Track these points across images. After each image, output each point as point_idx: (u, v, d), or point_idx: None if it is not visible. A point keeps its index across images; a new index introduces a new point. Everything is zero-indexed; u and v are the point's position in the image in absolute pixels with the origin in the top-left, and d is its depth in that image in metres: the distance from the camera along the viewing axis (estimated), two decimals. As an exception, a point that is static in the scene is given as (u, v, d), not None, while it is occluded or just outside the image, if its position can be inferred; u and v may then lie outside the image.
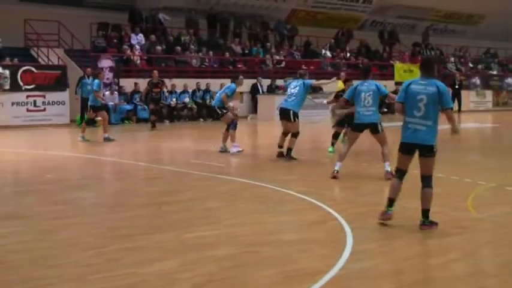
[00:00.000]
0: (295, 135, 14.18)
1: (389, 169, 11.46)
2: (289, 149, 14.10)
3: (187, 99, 27.28)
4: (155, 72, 23.78)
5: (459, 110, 34.62)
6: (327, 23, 36.84)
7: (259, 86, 29.43)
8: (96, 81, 18.81)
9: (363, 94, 11.60)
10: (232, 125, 15.43)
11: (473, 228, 8.19)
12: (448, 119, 8.21)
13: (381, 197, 8.89)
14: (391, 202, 8.11)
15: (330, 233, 7.82)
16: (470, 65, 41.07)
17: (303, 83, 14.30)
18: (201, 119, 27.14)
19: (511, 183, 11.24)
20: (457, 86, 35.09)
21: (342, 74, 19.21)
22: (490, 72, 40.99)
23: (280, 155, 14.23)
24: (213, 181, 11.68)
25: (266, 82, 30.04)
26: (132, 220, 8.48)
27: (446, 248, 7.19)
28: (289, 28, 35.31)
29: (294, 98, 14.17)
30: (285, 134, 14.37)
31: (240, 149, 15.33)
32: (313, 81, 15.31)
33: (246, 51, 32.05)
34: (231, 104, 15.71)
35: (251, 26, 34.06)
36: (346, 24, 37.48)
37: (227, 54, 30.65)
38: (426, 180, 8.03)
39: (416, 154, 8.13)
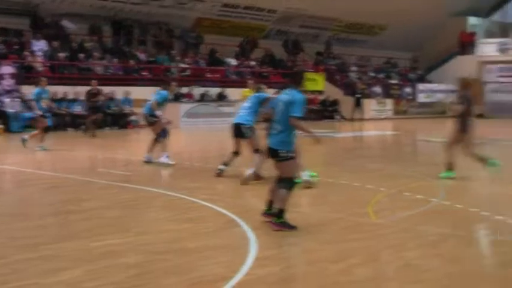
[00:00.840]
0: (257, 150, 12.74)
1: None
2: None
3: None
4: (94, 81, 23.62)
5: (361, 118, 35.48)
6: (232, 32, 37.07)
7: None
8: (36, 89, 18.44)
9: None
10: (162, 134, 14.95)
11: (373, 233, 8.44)
12: (297, 128, 8.47)
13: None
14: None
15: (235, 240, 7.92)
16: (372, 74, 42.09)
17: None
18: (107, 127, 26.85)
19: (410, 189, 11.63)
20: (358, 95, 35.95)
21: (250, 82, 19.27)
22: (390, 81, 42.13)
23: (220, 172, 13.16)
24: (119, 189, 11.62)
25: (171, 90, 29.96)
26: (35, 230, 8.36)
27: (348, 253, 7.39)
28: (195, 36, 35.36)
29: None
30: (235, 153, 13.14)
31: (171, 162, 14.63)
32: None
33: (151, 59, 31.91)
34: (160, 112, 14.97)
35: (156, 33, 33.92)
36: (251, 33, 37.82)
37: (132, 62, 30.44)
38: (283, 182, 8.43)
39: None
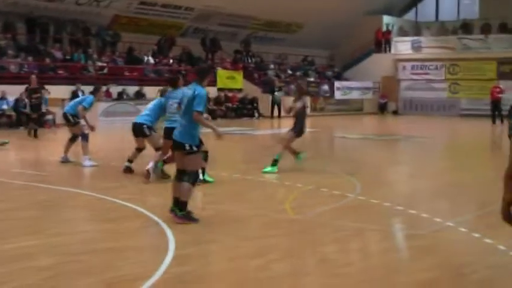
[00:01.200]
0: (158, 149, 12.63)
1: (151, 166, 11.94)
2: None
3: (5, 106, 26.21)
4: (33, 77, 22.69)
5: (279, 116, 35.72)
6: (150, 30, 36.75)
7: (79, 93, 28.87)
8: None
9: (170, 102, 11.88)
10: (84, 137, 14.52)
11: (291, 229, 8.53)
12: (199, 122, 8.67)
13: (200, 202, 9.06)
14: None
15: (152, 239, 7.88)
16: (289, 71, 42.42)
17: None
18: (21, 127, 26.22)
19: (326, 184, 11.77)
20: (276, 93, 36.17)
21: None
22: (308, 79, 42.55)
23: (128, 170, 13.16)
24: (35, 190, 11.37)
25: (87, 88, 29.50)
26: None
27: (266, 249, 7.44)
28: (112, 34, 34.90)
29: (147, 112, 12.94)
30: (138, 150, 13.19)
31: (94, 163, 14.25)
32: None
33: (68, 57, 31.33)
34: (86, 117, 14.53)
35: (72, 31, 33.35)
36: (168, 30, 37.57)
37: (47, 60, 29.84)
38: (185, 175, 8.56)
39: None
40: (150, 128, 12.71)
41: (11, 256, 6.94)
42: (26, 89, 22.65)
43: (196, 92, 8.50)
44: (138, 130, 12.76)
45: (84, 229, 8.40)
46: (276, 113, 36.01)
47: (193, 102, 8.44)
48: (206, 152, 11.81)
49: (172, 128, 11.45)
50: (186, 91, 8.76)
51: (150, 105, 13.03)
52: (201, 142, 11.16)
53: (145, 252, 7.26)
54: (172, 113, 11.71)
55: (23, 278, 6.19)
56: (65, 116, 15.18)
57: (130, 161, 13.17)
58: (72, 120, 14.77)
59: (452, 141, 25.90)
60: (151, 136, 12.71)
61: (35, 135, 21.42)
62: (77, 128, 14.70)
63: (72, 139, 14.81)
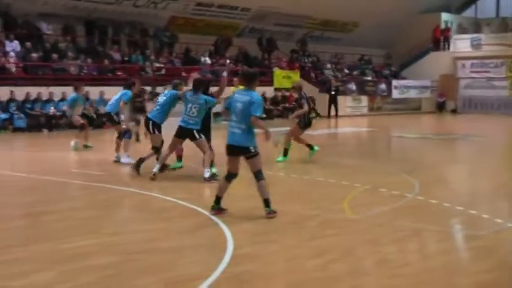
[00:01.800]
0: (153, 148, 13.08)
1: (207, 175, 12.17)
2: (141, 159, 12.95)
3: (65, 108, 26.63)
4: (137, 80, 22.93)
5: (336, 115, 35.54)
6: (207, 30, 36.94)
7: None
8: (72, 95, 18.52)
9: (190, 104, 12.35)
10: (126, 134, 15.08)
11: (349, 228, 8.45)
12: (257, 126, 8.95)
13: (258, 202, 9.00)
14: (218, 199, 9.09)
15: (210, 239, 7.88)
16: (346, 71, 42.16)
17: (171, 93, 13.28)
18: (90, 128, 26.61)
19: (384, 184, 11.64)
20: (333, 92, 35.99)
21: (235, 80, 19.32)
22: (365, 78, 42.23)
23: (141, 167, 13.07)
24: (93, 190, 11.52)
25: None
26: (7, 232, 8.25)
27: (324, 249, 7.39)
28: (169, 35, 35.19)
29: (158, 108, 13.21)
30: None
31: (132, 161, 14.14)
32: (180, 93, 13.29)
33: (126, 58, 31.71)
34: (125, 112, 15.48)
35: (130, 32, 33.73)
36: (225, 31, 37.70)
37: (106, 62, 30.25)
38: (257, 175, 8.96)
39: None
40: (155, 125, 13.06)
41: (71, 255, 7.03)
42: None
43: (253, 98, 8.80)
44: (146, 125, 13.17)
45: (141, 228, 8.45)
46: (333, 112, 35.87)
47: (251, 107, 8.72)
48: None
49: (187, 129, 12.25)
50: (239, 97, 8.92)
51: (162, 100, 13.24)
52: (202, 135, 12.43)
53: (203, 251, 7.27)
54: (190, 115, 12.29)
55: (83, 276, 6.26)
56: (108, 116, 15.57)
57: (165, 165, 13.24)
58: (116, 119, 15.38)
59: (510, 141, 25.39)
60: (154, 135, 13.06)
61: (137, 139, 20.00)
62: (119, 126, 15.27)
63: (120, 137, 15.17)
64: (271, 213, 8.89)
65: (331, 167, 14.76)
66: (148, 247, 7.42)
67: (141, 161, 12.92)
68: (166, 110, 13.16)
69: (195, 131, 12.35)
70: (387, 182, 12.15)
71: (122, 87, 16.10)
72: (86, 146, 17.88)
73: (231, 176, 9.15)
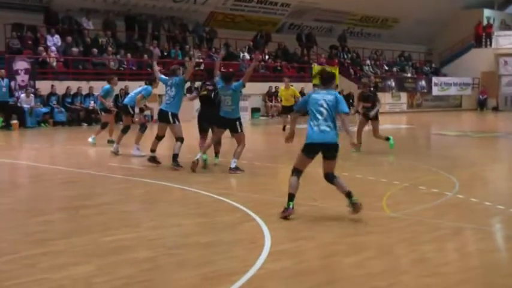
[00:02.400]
0: (179, 139, 13.27)
1: (233, 166, 12.56)
2: (175, 155, 13.20)
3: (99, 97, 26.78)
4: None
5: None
6: (246, 26, 37.01)
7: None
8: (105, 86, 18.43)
9: (222, 97, 12.82)
10: (142, 128, 15.42)
11: (387, 226, 8.39)
12: (344, 123, 9.03)
13: (297, 198, 8.97)
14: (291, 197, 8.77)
15: (248, 234, 7.88)
16: (386, 67, 41.92)
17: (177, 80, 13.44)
18: (121, 122, 26.80)
19: (424, 182, 11.55)
20: (372, 88, 35.74)
21: (286, 79, 21.02)
22: (404, 74, 41.93)
23: (152, 159, 13.61)
24: (131, 184, 11.62)
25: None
26: (48, 225, 8.36)
27: (361, 246, 7.35)
28: (208, 30, 35.32)
29: (171, 99, 13.32)
30: (158, 138, 13.69)
31: (143, 154, 14.82)
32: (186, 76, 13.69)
33: (165, 53, 31.89)
34: (144, 106, 16.15)
35: (170, 28, 33.90)
36: (264, 27, 37.73)
37: (145, 57, 30.44)
38: (333, 174, 9.06)
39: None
40: (174, 115, 13.26)
41: (110, 248, 7.09)
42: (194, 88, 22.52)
43: (338, 96, 8.94)
44: (164, 117, 13.31)
45: (180, 223, 8.49)
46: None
47: (339, 105, 8.81)
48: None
49: (227, 119, 12.71)
50: (320, 96, 8.91)
51: (173, 91, 13.31)
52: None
53: (241, 247, 7.27)
54: (228, 105, 12.71)
55: (123, 270, 6.31)
56: (124, 107, 15.79)
57: (153, 150, 13.65)
58: (130, 111, 15.86)
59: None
60: (176, 125, 13.26)
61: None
62: (129, 119, 15.78)
63: (141, 129, 15.51)
64: (356, 204, 8.72)
65: (370, 165, 14.68)
66: (187, 242, 7.45)
67: (175, 156, 13.13)
68: (180, 98, 13.38)
69: (237, 122, 12.80)
70: (426, 179, 12.06)
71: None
72: (110, 141, 17.95)
73: (299, 172, 9.04)
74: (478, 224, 8.59)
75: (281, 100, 25.45)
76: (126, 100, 16.33)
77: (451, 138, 22.64)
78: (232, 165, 12.60)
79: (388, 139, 16.50)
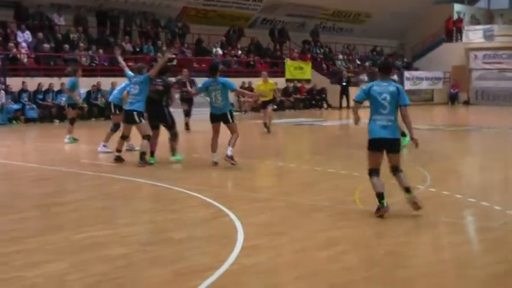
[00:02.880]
0: (145, 137, 13.19)
1: (229, 154, 12.50)
2: (143, 153, 13.16)
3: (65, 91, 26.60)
4: (185, 70, 22.76)
5: (347, 106, 35.47)
6: (218, 21, 36.93)
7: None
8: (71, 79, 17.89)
9: (213, 93, 12.72)
10: (116, 126, 15.10)
11: (360, 220, 8.45)
12: (407, 116, 9.04)
13: (270, 193, 9.03)
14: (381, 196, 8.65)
15: (222, 230, 7.90)
16: (358, 62, 42.08)
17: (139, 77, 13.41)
18: (93, 118, 26.72)
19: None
20: (344, 83, 35.89)
21: (264, 73, 20.51)
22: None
23: (118, 159, 13.50)
24: (104, 180, 11.57)
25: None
26: (21, 222, 8.30)
27: (334, 240, 7.40)
28: (181, 26, 35.20)
29: (135, 97, 13.30)
30: (124, 137, 13.75)
31: (108, 150, 14.78)
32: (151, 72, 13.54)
33: (137, 49, 31.74)
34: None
35: (142, 23, 33.74)
36: (237, 22, 37.68)
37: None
38: (398, 168, 8.94)
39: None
40: (140, 114, 13.22)
41: (83, 245, 7.07)
42: (178, 82, 21.81)
43: (399, 88, 8.82)
44: (130, 118, 13.24)
45: (153, 219, 8.49)
46: (344, 103, 35.82)
47: (400, 97, 8.70)
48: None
49: (219, 114, 12.65)
50: (382, 88, 8.77)
51: (137, 90, 13.25)
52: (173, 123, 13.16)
53: (213, 243, 7.28)
54: (217, 101, 12.69)
55: (96, 267, 6.29)
56: (108, 106, 15.62)
57: (119, 150, 13.59)
58: (113, 110, 15.32)
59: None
60: (142, 124, 13.20)
61: (188, 128, 21.05)
62: (118, 117, 15.02)
63: (113, 129, 15.21)
64: (414, 199, 8.65)
65: (342, 159, 14.76)
66: (160, 238, 7.46)
67: (142, 154, 13.10)
68: (144, 96, 13.27)
69: (228, 114, 12.79)
70: (398, 173, 12.12)
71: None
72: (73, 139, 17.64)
73: (377, 172, 8.96)
74: (450, 217, 8.69)
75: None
76: (111, 98, 16.07)
77: (423, 132, 22.74)
78: (229, 153, 12.58)
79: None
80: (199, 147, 15.74)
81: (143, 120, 13.24)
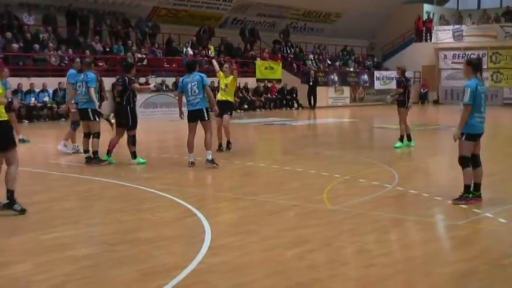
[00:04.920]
0: (96, 135, 13.36)
1: (210, 158, 12.54)
2: (95, 152, 13.24)
3: (46, 99, 26.54)
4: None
5: (314, 106, 35.64)
6: (189, 21, 36.85)
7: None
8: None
9: (189, 85, 12.64)
10: (73, 125, 14.99)
11: (327, 219, 8.48)
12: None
13: (238, 193, 9.04)
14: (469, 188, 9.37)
15: (189, 229, 7.90)
16: (328, 62, 42.22)
17: (86, 75, 13.46)
18: (63, 119, 26.51)
19: (364, 175, 11.70)
20: (311, 83, 36.03)
21: (225, 66, 17.54)
22: (347, 69, 42.31)
23: (89, 160, 13.33)
24: (73, 181, 11.50)
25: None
26: (-15, 223, 8.23)
27: (302, 239, 7.42)
28: (151, 26, 35.08)
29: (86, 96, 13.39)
30: (86, 136, 13.61)
31: (68, 151, 14.80)
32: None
33: (107, 49, 31.58)
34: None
35: (112, 23, 33.56)
36: (207, 22, 37.62)
37: (87, 52, 30.09)
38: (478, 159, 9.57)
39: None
40: (94, 112, 13.40)
41: (49, 246, 7.03)
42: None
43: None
44: (85, 115, 13.45)
45: (121, 219, 8.45)
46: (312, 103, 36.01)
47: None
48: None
49: (198, 110, 12.55)
50: (483, 88, 9.33)
51: (84, 88, 13.33)
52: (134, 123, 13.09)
53: (181, 242, 7.28)
54: (194, 95, 12.61)
55: (62, 267, 6.26)
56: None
57: (86, 151, 13.52)
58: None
59: (493, 131, 25.50)
60: (95, 122, 13.40)
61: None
62: (75, 115, 14.83)
63: (73, 127, 15.05)
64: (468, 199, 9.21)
65: (311, 158, 14.82)
66: (127, 238, 7.43)
67: (96, 153, 13.19)
68: (96, 92, 13.41)
69: (204, 110, 12.73)
70: (367, 172, 12.21)
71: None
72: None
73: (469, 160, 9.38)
74: (417, 215, 8.76)
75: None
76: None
77: (392, 131, 22.85)
78: (209, 157, 12.62)
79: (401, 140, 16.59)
80: (169, 147, 15.70)
81: (97, 119, 13.36)
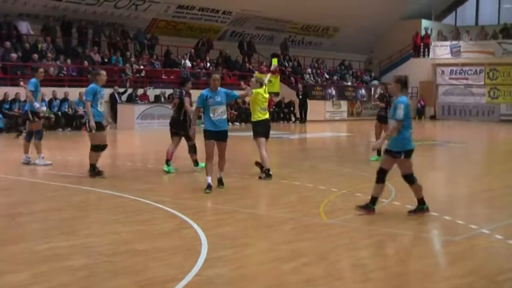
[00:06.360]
0: (93, 148, 13.20)
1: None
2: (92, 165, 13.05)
3: (44, 108, 26.49)
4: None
5: (304, 120, 35.72)
6: (188, 33, 36.95)
7: (116, 95, 29.23)
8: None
9: (212, 106, 11.61)
10: (38, 135, 14.85)
11: (324, 233, 8.49)
12: None
13: (235, 205, 9.04)
14: None
15: (185, 241, 7.89)
16: (326, 76, 42.31)
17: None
18: (60, 129, 26.53)
19: (361, 189, 11.70)
20: (300, 97, 36.14)
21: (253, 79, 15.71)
22: (345, 83, 42.40)
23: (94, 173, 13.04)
24: (69, 191, 11.49)
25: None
26: (-18, 233, 8.22)
27: (298, 253, 7.42)
28: (150, 37, 35.17)
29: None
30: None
31: (48, 162, 14.70)
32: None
33: (106, 60, 31.62)
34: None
35: (110, 34, 33.64)
36: (206, 34, 37.73)
37: (86, 63, 30.13)
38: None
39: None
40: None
41: (46, 256, 7.02)
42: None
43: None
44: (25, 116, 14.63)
45: (117, 230, 8.44)
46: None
47: None
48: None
49: (212, 132, 11.69)
50: (406, 102, 9.58)
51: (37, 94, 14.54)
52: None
53: (177, 254, 7.27)
54: (216, 115, 11.55)
55: (58, 278, 6.26)
56: (25, 113, 15.24)
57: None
58: (31, 118, 14.96)
59: (490, 147, 25.60)
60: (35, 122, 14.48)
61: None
62: (36, 124, 14.86)
63: (37, 137, 14.91)
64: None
65: (308, 172, 14.84)
66: (123, 249, 7.42)
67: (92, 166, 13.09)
68: (96, 105, 13.93)
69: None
70: (364, 187, 12.19)
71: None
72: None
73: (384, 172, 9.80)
74: (413, 231, 8.77)
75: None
76: (27, 106, 15.39)
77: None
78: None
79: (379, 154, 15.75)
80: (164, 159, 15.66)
81: (36, 119, 14.34)
